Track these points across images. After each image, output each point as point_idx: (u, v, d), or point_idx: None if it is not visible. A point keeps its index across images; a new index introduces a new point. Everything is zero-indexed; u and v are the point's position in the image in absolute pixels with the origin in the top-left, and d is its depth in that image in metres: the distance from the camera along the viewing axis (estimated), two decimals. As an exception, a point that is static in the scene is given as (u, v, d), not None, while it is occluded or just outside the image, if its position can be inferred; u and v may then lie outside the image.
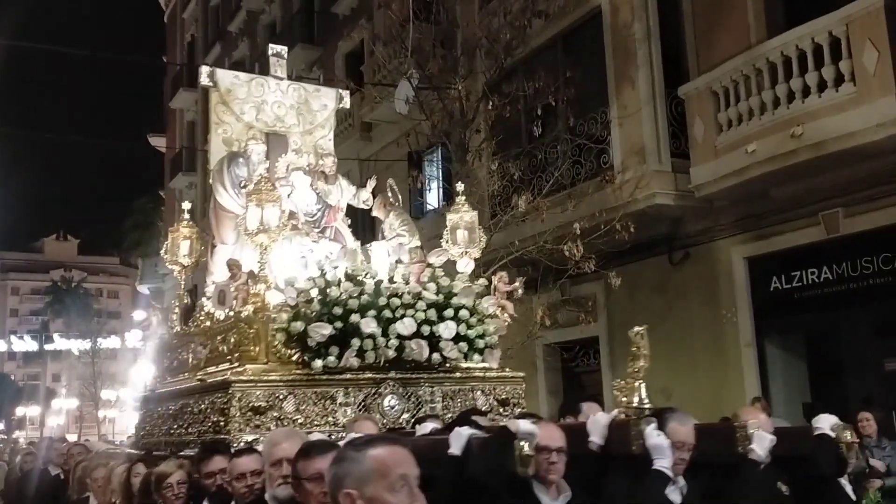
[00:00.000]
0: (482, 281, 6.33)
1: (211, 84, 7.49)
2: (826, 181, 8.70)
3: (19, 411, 53.71)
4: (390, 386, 5.67)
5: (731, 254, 10.07)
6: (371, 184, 7.46)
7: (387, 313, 5.60)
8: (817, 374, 9.67)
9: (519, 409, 6.06)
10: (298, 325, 5.49)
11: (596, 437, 3.67)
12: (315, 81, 8.37)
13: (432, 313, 5.72)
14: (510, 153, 11.05)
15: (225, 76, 7.64)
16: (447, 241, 6.70)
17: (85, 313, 53.93)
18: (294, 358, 5.62)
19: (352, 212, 7.67)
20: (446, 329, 5.71)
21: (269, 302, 5.75)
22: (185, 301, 7.46)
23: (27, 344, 59.82)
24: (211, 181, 7.19)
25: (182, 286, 7.54)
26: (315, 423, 5.42)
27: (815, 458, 3.95)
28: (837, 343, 9.82)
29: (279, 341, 5.61)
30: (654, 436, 3.51)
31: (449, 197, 11.63)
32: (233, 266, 5.95)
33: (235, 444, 4.92)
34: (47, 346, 56.93)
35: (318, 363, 5.47)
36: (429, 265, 6.31)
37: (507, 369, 6.48)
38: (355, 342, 5.47)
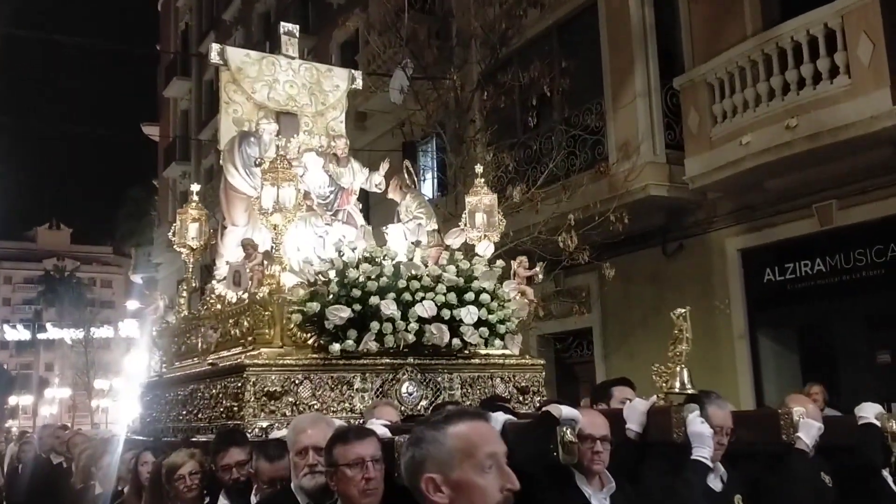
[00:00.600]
0: (500, 263, 6.10)
1: (221, 62, 7.30)
2: (820, 173, 8.71)
3: (12, 401, 53.57)
4: (408, 372, 5.51)
5: (724, 245, 10.09)
6: (384, 167, 7.25)
7: (406, 296, 5.43)
8: (810, 366, 9.71)
9: (539, 398, 5.91)
10: (315, 306, 5.32)
11: (633, 425, 3.52)
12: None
13: (452, 297, 5.54)
14: (505, 143, 11.03)
15: (236, 54, 7.45)
16: (465, 225, 6.51)
17: (78, 303, 53.81)
18: (310, 342, 5.48)
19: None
20: (468, 314, 5.54)
21: (284, 284, 5.59)
22: (194, 284, 7.32)
23: (20, 333, 59.73)
24: (221, 161, 7.03)
25: (190, 269, 7.39)
26: (332, 408, 5.28)
27: (861, 449, 3.75)
28: (830, 335, 9.86)
29: (295, 323, 5.45)
30: (696, 423, 3.36)
31: (443, 187, 11.63)
32: (248, 246, 5.79)
33: (250, 431, 4.85)
34: (40, 336, 56.87)
35: (336, 347, 5.31)
36: (446, 248, 6.10)
37: (528, 356, 6.31)
38: (374, 325, 5.31)
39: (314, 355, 5.39)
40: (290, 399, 5.22)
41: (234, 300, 6.03)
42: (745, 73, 9.18)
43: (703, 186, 9.82)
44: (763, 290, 9.79)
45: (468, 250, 6.22)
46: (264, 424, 5.02)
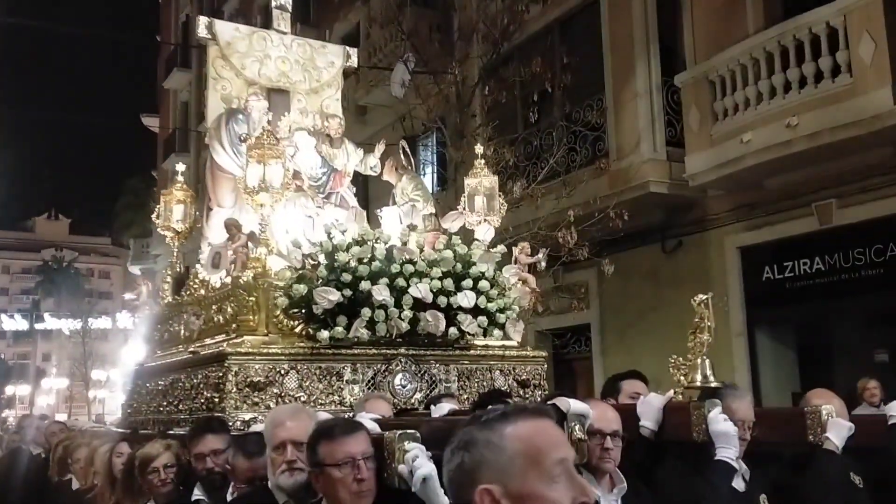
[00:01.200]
0: (501, 248, 5.78)
1: (209, 37, 6.93)
2: (820, 172, 8.72)
3: (9, 391, 53.61)
4: (402, 363, 5.19)
5: (724, 243, 10.10)
6: (380, 148, 6.95)
7: (400, 282, 5.10)
8: (807, 364, 9.73)
9: (540, 392, 5.62)
10: (301, 288, 5.00)
11: (648, 422, 3.25)
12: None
13: (449, 283, 5.22)
14: (506, 139, 11.03)
15: (225, 28, 7.04)
16: (464, 209, 6.19)
17: (76, 293, 53.79)
18: (297, 330, 5.17)
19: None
20: (465, 298, 5.20)
21: (270, 268, 5.25)
22: (179, 269, 6.93)
23: (17, 323, 59.60)
24: (207, 139, 6.72)
25: (175, 253, 7.01)
26: (319, 401, 4.96)
27: (891, 449, 3.48)
28: (828, 333, 9.88)
29: (281, 308, 5.13)
30: (719, 421, 3.08)
31: (443, 181, 11.62)
32: (231, 226, 5.44)
33: (231, 424, 4.54)
34: (38, 326, 56.78)
35: (325, 334, 4.99)
36: (444, 232, 5.79)
37: (528, 348, 6.00)
38: (365, 312, 4.98)
39: (301, 344, 5.10)
40: (275, 390, 4.93)
41: (218, 285, 5.73)
42: (747, 71, 9.18)
43: (704, 184, 9.83)
44: (762, 288, 9.80)
45: (466, 236, 5.92)
46: (247, 417, 4.75)
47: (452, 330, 5.27)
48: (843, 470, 3.34)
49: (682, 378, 3.36)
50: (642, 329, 10.49)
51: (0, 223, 60.91)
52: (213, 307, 5.65)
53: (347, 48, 7.72)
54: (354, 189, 6.97)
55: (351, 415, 4.11)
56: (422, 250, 5.38)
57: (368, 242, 5.24)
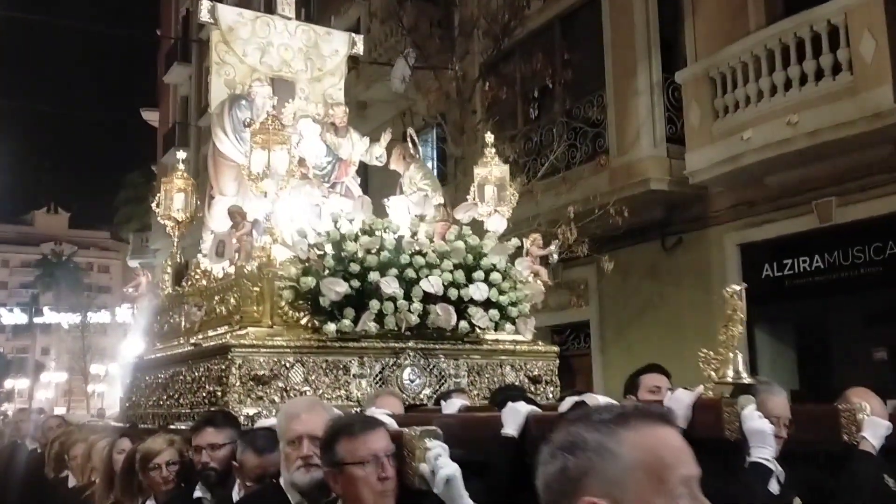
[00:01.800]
0: (514, 241, 5.58)
1: (211, 21, 6.76)
2: (821, 170, 8.71)
3: (8, 384, 53.66)
4: (410, 357, 5.05)
5: (723, 240, 10.10)
6: (386, 137, 6.77)
7: (409, 273, 4.94)
8: (806, 362, 9.74)
9: (552, 388, 5.46)
10: (309, 281, 4.84)
11: (677, 420, 3.05)
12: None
13: (460, 275, 5.06)
14: (506, 135, 11.02)
15: (227, 13, 6.84)
16: (474, 199, 6.01)
17: (75, 287, 53.80)
18: (303, 321, 5.03)
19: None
20: (477, 290, 5.05)
21: (274, 257, 5.11)
22: (179, 260, 6.78)
23: (16, 317, 59.63)
24: (210, 126, 6.60)
25: (175, 243, 6.86)
26: (326, 395, 4.81)
27: None
28: (827, 331, 9.88)
29: (286, 300, 4.98)
30: (754, 419, 2.89)
31: (444, 177, 11.60)
32: (235, 214, 5.29)
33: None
34: (37, 320, 56.77)
35: (332, 327, 4.84)
36: (454, 222, 5.60)
37: (540, 342, 5.85)
38: (374, 304, 4.84)
39: (307, 336, 4.95)
40: (280, 384, 4.78)
41: (220, 275, 5.59)
42: (748, 68, 9.16)
43: (704, 181, 9.82)
44: (761, 286, 9.78)
45: (474, 228, 5.73)
46: (251, 412, 4.61)
47: (463, 324, 5.12)
48: (877, 472, 3.19)
49: (712, 373, 3.17)
50: (642, 326, 10.49)
51: (-1, 217, 60.94)
52: (216, 298, 5.50)
53: (353, 35, 7.53)
54: (359, 179, 6.86)
55: (359, 411, 4.00)
56: (431, 241, 5.23)
57: (377, 232, 5.10)
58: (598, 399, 2.83)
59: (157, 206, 6.87)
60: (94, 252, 71.19)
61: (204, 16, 6.82)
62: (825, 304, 9.48)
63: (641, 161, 10.22)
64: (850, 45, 8.17)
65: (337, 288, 4.81)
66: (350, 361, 4.97)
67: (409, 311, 4.92)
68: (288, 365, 4.83)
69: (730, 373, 3.12)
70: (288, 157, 5.29)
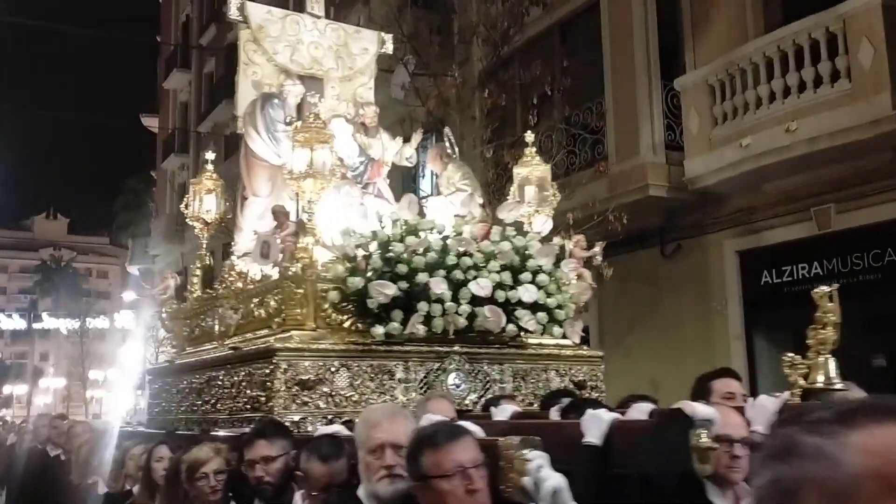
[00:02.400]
0: (558, 240, 5.51)
1: (240, 19, 6.61)
2: (819, 177, 8.73)
3: (6, 390, 53.57)
4: (455, 361, 4.91)
5: (722, 247, 10.11)
6: (416, 138, 6.66)
7: (457, 274, 4.80)
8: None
9: (597, 394, 5.30)
10: (357, 281, 4.72)
11: (761, 427, 2.81)
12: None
13: (507, 276, 4.93)
14: (505, 141, 11.03)
15: (257, 11, 6.68)
16: (514, 199, 5.89)
17: (74, 293, 53.75)
18: (346, 324, 4.90)
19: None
20: (527, 292, 4.92)
21: (316, 259, 4.99)
22: (208, 262, 6.70)
23: (15, 322, 59.54)
24: (241, 127, 6.41)
25: (204, 245, 6.73)
26: (370, 400, 4.68)
27: None
28: (825, 338, 9.88)
29: (331, 303, 4.84)
30: None
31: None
32: (279, 213, 5.19)
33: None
34: (35, 325, 56.72)
35: (380, 330, 4.70)
36: (496, 222, 5.46)
37: (585, 347, 5.74)
38: (422, 306, 4.69)
39: (352, 339, 4.80)
40: (325, 389, 4.62)
41: (257, 277, 5.45)
42: (747, 76, 9.19)
43: (703, 188, 9.84)
44: (760, 293, 9.81)
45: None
46: (296, 418, 4.46)
47: (510, 326, 4.98)
48: None
49: (799, 379, 3.01)
50: (641, 332, 10.49)
51: (-1, 222, 60.88)
52: (254, 300, 5.36)
53: (383, 34, 7.40)
54: (389, 180, 6.75)
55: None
56: (477, 241, 5.09)
57: (422, 233, 4.97)
58: (694, 406, 2.59)
59: (186, 207, 6.72)
60: (93, 257, 71.17)
61: (233, 13, 6.64)
62: (824, 311, 9.48)
63: (640, 167, 10.23)
64: (848, 53, 8.20)
65: (386, 290, 4.68)
66: (395, 366, 4.84)
67: (458, 313, 4.77)
68: (333, 369, 4.70)
69: (820, 378, 2.95)
70: (331, 156, 5.16)
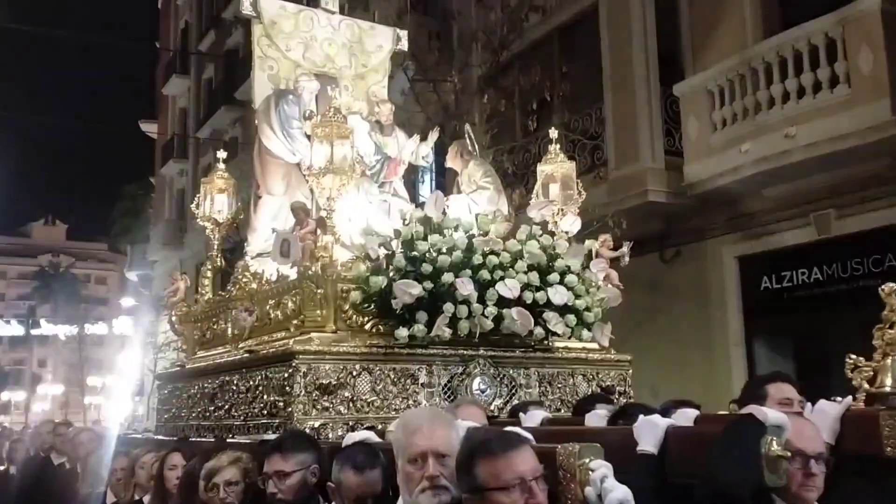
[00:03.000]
0: (588, 242, 5.30)
1: (253, 14, 6.45)
2: (818, 182, 8.73)
3: (4, 396, 53.51)
4: (480, 365, 4.72)
5: (722, 253, 10.10)
6: (433, 136, 6.50)
7: (483, 274, 4.61)
8: (805, 375, 9.71)
9: (625, 399, 5.11)
10: (380, 281, 4.54)
11: (823, 433, 2.63)
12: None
13: (535, 277, 4.73)
14: (504, 147, 11.04)
15: (269, 6, 6.53)
16: (537, 198, 5.71)
17: (72, 299, 53.67)
18: (367, 326, 4.71)
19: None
20: (556, 294, 4.74)
21: (336, 258, 4.80)
22: (220, 264, 6.49)
23: (13, 328, 59.50)
24: (256, 123, 6.28)
25: (216, 247, 6.50)
26: (393, 406, 4.51)
27: None
28: (826, 344, 9.86)
29: (352, 303, 4.66)
30: None
31: (443, 189, 11.59)
32: (299, 210, 4.98)
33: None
34: (34, 331, 56.65)
35: (404, 332, 4.51)
36: (511, 221, 5.28)
37: (612, 351, 5.52)
38: (448, 307, 4.49)
39: (374, 342, 4.62)
40: (346, 394, 4.44)
41: (273, 278, 5.28)
42: (745, 82, 9.20)
43: (702, 193, 9.83)
44: (760, 298, 9.80)
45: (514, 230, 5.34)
46: (316, 424, 4.29)
47: (538, 330, 4.80)
48: None
49: (864, 383, 2.87)
50: (640, 338, 10.43)
51: (-3, 228, 60.87)
52: (270, 302, 5.19)
53: (398, 31, 7.31)
54: (403, 179, 6.63)
55: None
56: (504, 240, 4.90)
57: (447, 231, 4.80)
58: (766, 412, 2.39)
59: (197, 206, 6.55)
60: (92, 264, 71.09)
61: (246, 9, 6.51)
62: (824, 317, 9.47)
63: (640, 173, 10.23)
64: (847, 59, 8.21)
65: (411, 290, 4.50)
66: (418, 370, 4.67)
67: (484, 315, 4.60)
68: (355, 373, 4.52)
69: (888, 381, 2.82)
70: (351, 152, 4.99)
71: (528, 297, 4.73)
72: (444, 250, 4.63)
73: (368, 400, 4.51)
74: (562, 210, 5.59)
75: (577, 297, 4.94)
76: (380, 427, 3.97)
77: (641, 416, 2.71)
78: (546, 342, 4.99)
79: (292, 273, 4.98)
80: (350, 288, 4.69)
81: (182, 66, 29.41)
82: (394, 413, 4.36)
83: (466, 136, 6.26)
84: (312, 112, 5.71)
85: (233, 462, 3.45)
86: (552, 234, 5.22)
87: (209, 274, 6.45)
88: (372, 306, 4.67)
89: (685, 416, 2.81)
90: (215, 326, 5.95)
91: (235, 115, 22.61)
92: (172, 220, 28.85)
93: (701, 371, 10.00)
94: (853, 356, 3.01)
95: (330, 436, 4.21)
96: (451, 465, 2.38)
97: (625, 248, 5.58)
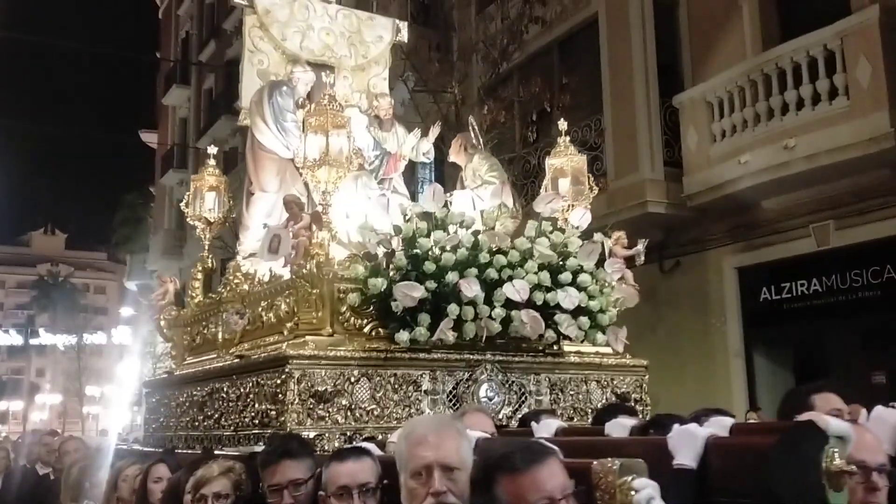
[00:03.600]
0: (598, 237, 4.98)
1: (246, 3, 6.20)
2: (818, 194, 8.75)
3: (2, 406, 53.38)
4: (487, 371, 4.44)
5: (721, 264, 10.11)
6: (434, 132, 6.21)
7: (490, 274, 4.34)
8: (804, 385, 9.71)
9: (641, 407, 4.87)
10: (380, 283, 4.27)
11: (885, 446, 2.42)
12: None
13: (545, 277, 4.47)
14: (504, 158, 11.05)
15: None
16: (546, 192, 5.44)
17: (71, 308, 53.61)
18: (366, 329, 4.42)
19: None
20: (567, 297, 4.46)
21: (333, 257, 4.49)
22: (210, 265, 6.17)
23: (12, 338, 59.42)
24: (248, 117, 5.95)
25: (206, 247, 6.14)
26: (394, 415, 4.22)
27: None
28: (825, 355, 9.87)
29: (349, 305, 4.36)
30: None
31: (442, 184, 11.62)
32: (292, 204, 4.68)
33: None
34: (32, 341, 56.60)
35: (405, 336, 4.25)
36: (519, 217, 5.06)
37: (628, 356, 5.18)
38: (453, 309, 4.22)
39: (373, 346, 4.32)
40: (344, 402, 4.14)
41: (265, 278, 4.95)
42: (745, 93, 9.23)
43: (701, 204, 9.85)
44: (759, 309, 9.81)
45: (519, 230, 5.10)
46: (311, 434, 3.99)
47: (549, 333, 4.51)
48: None
49: None
50: (639, 348, 10.41)
51: (-4, 238, 60.88)
52: (262, 304, 4.86)
53: (398, 21, 7.04)
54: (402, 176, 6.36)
55: None
56: (512, 237, 4.63)
57: (450, 227, 4.50)
58: (827, 420, 2.19)
59: (187, 206, 6.22)
60: (91, 273, 71.01)
61: None
62: (823, 328, 9.48)
63: (639, 184, 10.25)
64: (846, 70, 8.24)
65: (413, 292, 4.23)
66: (421, 376, 4.37)
67: (491, 317, 4.33)
68: (353, 379, 4.21)
69: None
70: (348, 143, 4.62)
71: (538, 297, 4.46)
72: (447, 248, 4.36)
73: (367, 408, 4.24)
74: (572, 205, 5.30)
75: (591, 298, 4.66)
76: (380, 438, 3.78)
77: (677, 426, 2.42)
78: (557, 346, 4.72)
79: (286, 273, 4.70)
80: (347, 288, 4.40)
81: (182, 77, 29.48)
82: (395, 422, 4.12)
83: (470, 128, 6.02)
84: (306, 101, 5.48)
85: (224, 472, 3.11)
86: (562, 230, 4.90)
87: (199, 276, 6.14)
88: (371, 308, 4.41)
89: (721, 425, 2.54)
90: (205, 331, 5.62)
91: (235, 126, 22.62)
92: (172, 229, 28.85)
93: (701, 381, 9.99)
94: None
95: (326, 447, 3.96)
96: (460, 480, 2.18)
97: (640, 247, 5.25)
